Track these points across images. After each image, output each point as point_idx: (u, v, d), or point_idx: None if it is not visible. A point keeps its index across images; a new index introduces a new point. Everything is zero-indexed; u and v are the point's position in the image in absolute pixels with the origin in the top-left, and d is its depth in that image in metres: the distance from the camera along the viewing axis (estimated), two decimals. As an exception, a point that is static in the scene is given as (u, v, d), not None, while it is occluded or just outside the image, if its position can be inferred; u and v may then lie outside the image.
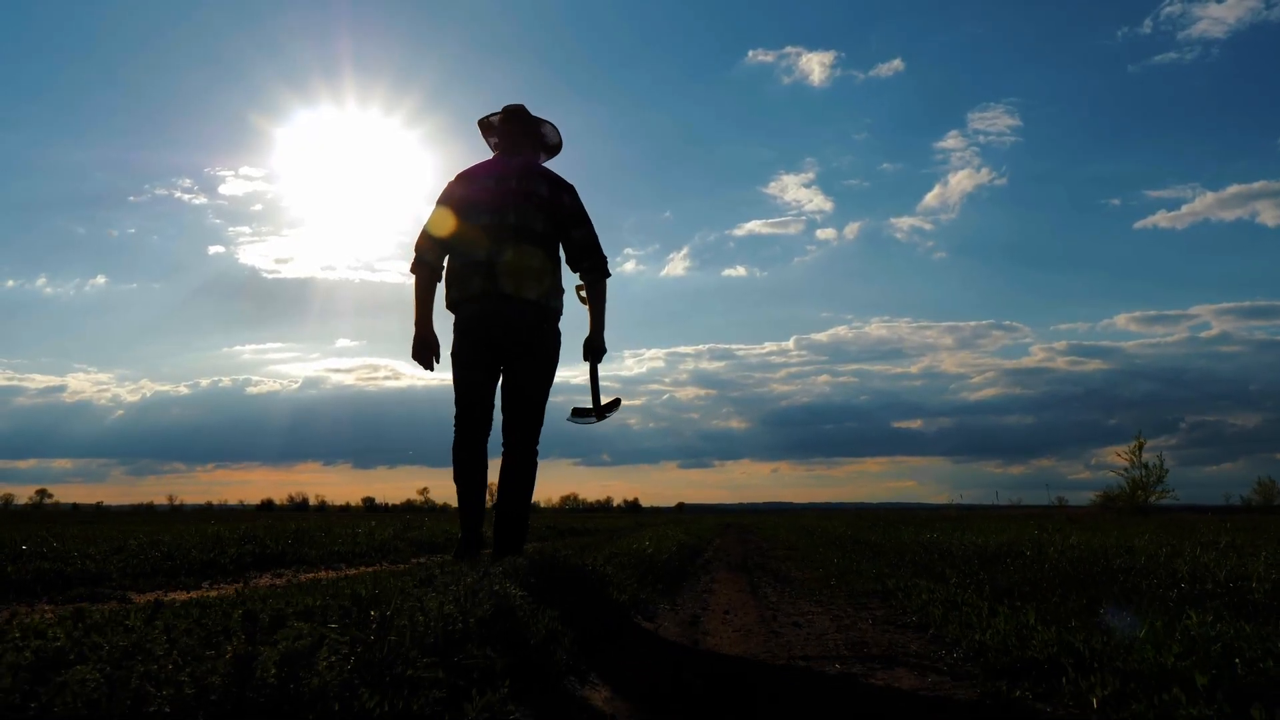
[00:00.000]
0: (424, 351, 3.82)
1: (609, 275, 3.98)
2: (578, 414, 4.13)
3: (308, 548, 5.67)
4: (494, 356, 3.75)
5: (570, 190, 3.89)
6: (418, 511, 33.16)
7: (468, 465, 3.76)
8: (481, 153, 4.11)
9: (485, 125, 4.06)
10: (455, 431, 3.78)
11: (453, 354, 3.81)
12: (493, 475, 3.85)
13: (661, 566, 4.65)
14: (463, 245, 3.76)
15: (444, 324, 3.88)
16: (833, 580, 4.54)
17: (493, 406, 3.81)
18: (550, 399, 3.86)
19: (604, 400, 4.14)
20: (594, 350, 4.01)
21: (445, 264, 3.85)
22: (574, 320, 4.04)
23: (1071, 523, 14.05)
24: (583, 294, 4.06)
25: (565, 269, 3.99)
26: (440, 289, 3.86)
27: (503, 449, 3.77)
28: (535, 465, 3.81)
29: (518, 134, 3.99)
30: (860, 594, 3.93)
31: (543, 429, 3.84)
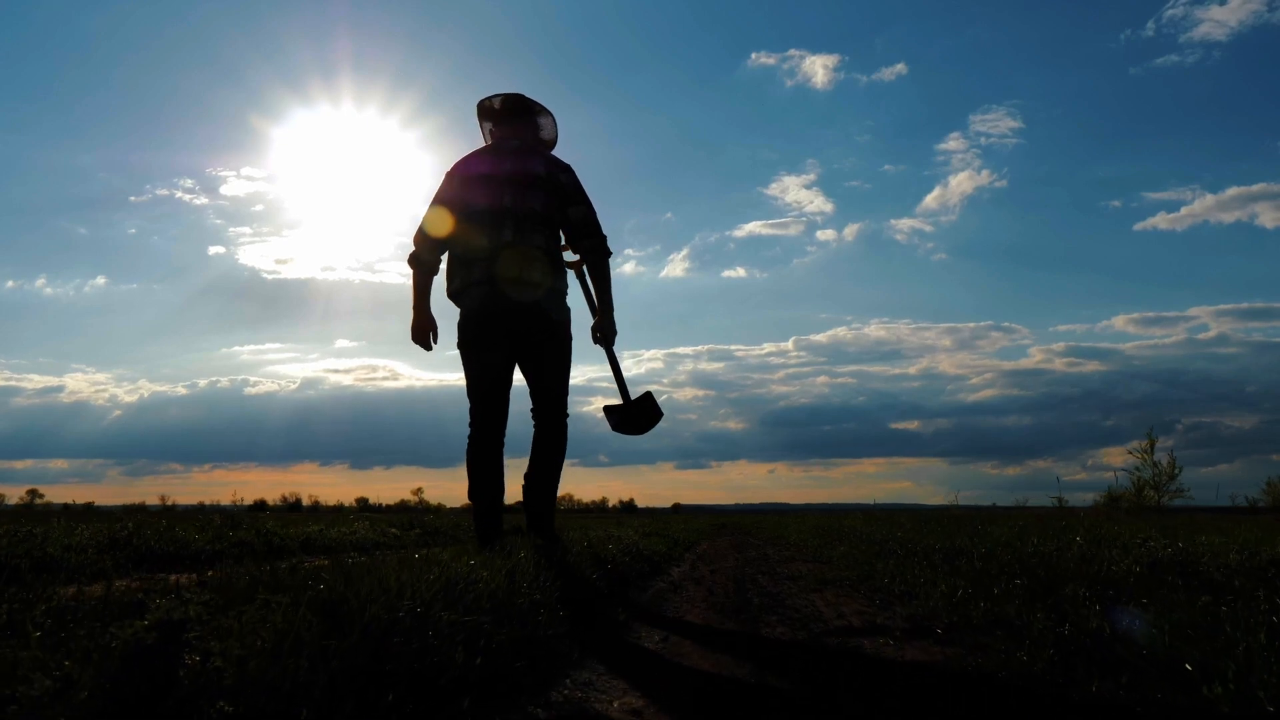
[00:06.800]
0: (421, 332, 3.78)
1: (610, 254, 3.84)
2: (610, 413, 4.08)
3: None
4: (506, 341, 3.63)
5: (568, 170, 3.81)
6: (411, 511, 30.85)
7: (485, 464, 3.59)
8: (477, 144, 4.03)
9: (484, 110, 4.01)
10: (471, 425, 3.64)
11: (461, 344, 3.69)
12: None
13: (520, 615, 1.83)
14: (461, 235, 3.70)
15: (448, 319, 3.80)
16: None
17: (508, 396, 3.69)
18: (570, 396, 3.81)
19: (633, 394, 4.09)
20: (604, 332, 3.86)
21: (444, 257, 3.80)
22: (578, 309, 3.89)
23: (1109, 522, 11.04)
24: (580, 270, 4.02)
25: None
26: (440, 282, 3.82)
27: (534, 427, 3.72)
28: (565, 429, 3.72)
29: (515, 122, 3.96)
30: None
31: (567, 435, 3.75)
